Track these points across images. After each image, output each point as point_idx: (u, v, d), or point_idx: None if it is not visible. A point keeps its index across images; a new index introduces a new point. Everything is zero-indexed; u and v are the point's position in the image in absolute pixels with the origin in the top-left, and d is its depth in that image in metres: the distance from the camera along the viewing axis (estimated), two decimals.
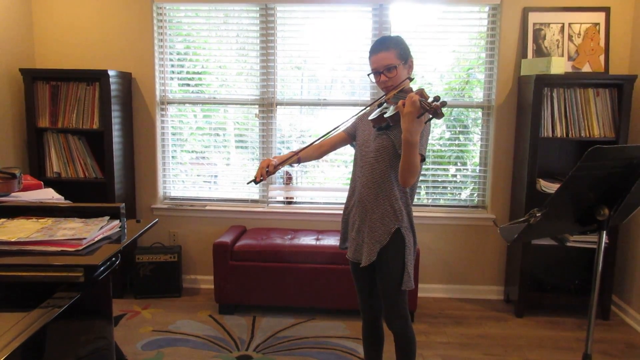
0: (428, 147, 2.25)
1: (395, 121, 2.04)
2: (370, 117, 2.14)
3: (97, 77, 3.51)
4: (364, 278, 2.31)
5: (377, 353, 2.45)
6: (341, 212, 2.35)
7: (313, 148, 2.34)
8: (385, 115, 2.05)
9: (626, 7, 3.52)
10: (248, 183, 2.23)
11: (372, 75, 2.21)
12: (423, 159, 2.05)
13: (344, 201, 2.33)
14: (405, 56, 2.16)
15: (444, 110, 1.83)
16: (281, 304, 3.49)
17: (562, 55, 3.52)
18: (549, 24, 3.54)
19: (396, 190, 2.15)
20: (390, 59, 2.12)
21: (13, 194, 1.99)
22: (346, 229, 2.34)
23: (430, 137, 2.22)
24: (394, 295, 2.19)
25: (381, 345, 2.45)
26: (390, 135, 2.13)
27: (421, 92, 1.98)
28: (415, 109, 1.84)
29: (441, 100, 1.82)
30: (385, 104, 2.13)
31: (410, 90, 2.14)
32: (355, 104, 3.81)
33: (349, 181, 2.34)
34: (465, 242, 3.83)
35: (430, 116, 1.85)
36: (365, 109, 2.26)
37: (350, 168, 3.96)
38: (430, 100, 1.85)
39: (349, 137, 2.35)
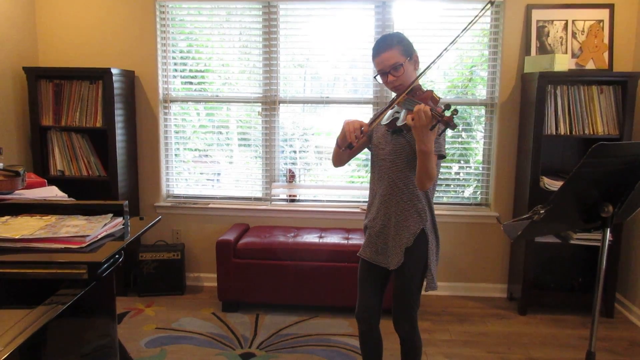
0: None
1: (409, 129, 2.00)
2: (383, 122, 2.07)
3: (100, 76, 3.52)
4: (375, 279, 2.23)
5: (378, 357, 2.35)
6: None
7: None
8: (398, 124, 1.99)
9: (630, 4, 3.50)
10: (343, 150, 2.06)
11: (379, 77, 2.12)
12: (444, 157, 2.02)
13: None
14: (409, 52, 2.08)
15: (455, 120, 1.76)
16: (284, 302, 3.49)
17: (566, 53, 3.50)
18: (552, 21, 3.53)
19: (418, 190, 2.09)
20: (394, 57, 2.04)
21: (17, 191, 2.00)
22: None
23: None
24: (410, 297, 2.14)
25: (381, 350, 2.34)
26: (406, 136, 2.07)
27: (432, 96, 1.91)
28: (426, 121, 1.77)
29: (452, 108, 1.74)
30: (396, 107, 2.04)
31: (420, 89, 2.07)
32: (358, 102, 3.81)
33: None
34: (468, 240, 3.82)
35: (444, 127, 1.79)
36: (386, 109, 2.13)
37: (353, 166, 3.99)
38: (442, 110, 1.77)
39: (369, 139, 2.24)
